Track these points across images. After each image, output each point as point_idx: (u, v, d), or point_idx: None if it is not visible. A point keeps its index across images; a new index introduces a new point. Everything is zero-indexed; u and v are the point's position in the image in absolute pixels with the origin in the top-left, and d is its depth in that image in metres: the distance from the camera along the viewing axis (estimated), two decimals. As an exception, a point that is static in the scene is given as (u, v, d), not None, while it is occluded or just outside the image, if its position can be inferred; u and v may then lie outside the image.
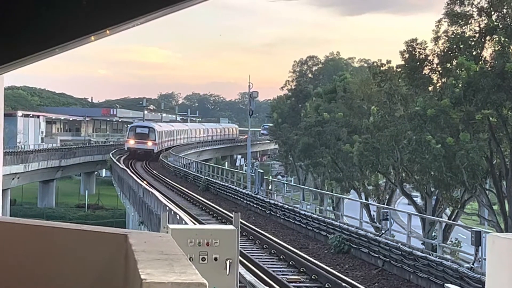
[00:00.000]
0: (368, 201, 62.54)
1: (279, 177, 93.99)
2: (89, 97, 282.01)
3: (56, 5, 5.82)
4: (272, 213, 53.25)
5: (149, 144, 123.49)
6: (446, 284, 28.42)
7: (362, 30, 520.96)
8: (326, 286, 29.48)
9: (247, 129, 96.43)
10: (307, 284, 30.00)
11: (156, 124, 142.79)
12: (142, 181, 61.52)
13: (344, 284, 28.73)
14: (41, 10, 5.81)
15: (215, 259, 7.88)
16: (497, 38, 44.14)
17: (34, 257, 5.04)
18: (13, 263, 5.16)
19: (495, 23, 44.89)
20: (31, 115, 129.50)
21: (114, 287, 4.43)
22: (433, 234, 43.08)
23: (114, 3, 5.82)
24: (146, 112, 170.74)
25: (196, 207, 54.10)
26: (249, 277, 17.37)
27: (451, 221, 48.15)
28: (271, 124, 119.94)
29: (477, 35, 45.93)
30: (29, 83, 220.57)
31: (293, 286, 28.90)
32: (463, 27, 46.55)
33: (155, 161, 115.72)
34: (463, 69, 43.50)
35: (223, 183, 73.40)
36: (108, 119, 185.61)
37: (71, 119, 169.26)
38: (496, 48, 43.97)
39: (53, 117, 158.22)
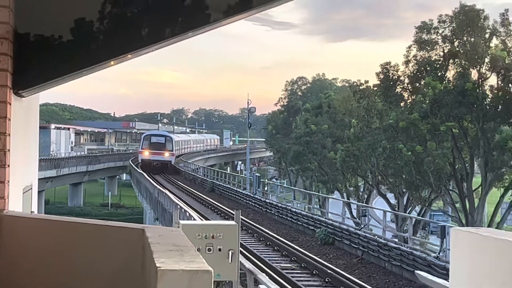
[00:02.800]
0: (349, 200, 62.38)
1: (274, 180, 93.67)
2: (111, 112, 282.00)
3: (87, 34, 5.82)
4: (267, 210, 53.23)
5: (166, 155, 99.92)
6: (416, 271, 28.36)
7: (344, 55, 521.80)
8: (314, 272, 29.46)
9: (246, 139, 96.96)
10: (298, 271, 29.95)
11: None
12: (157, 184, 61.42)
13: (328, 271, 28.71)
14: (75, 38, 5.81)
15: (219, 249, 7.86)
16: (458, 62, 44.16)
17: (65, 247, 5.03)
18: (47, 253, 5.16)
19: (457, 49, 44.91)
20: (62, 127, 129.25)
21: (133, 274, 4.43)
22: (405, 228, 43.02)
23: (133, 33, 5.84)
24: (160, 125, 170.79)
25: (203, 206, 54.01)
26: (248, 265, 17.31)
27: (420, 217, 48.11)
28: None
29: (441, 59, 45.90)
30: (61, 100, 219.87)
31: (286, 272, 28.85)
32: (430, 52, 46.54)
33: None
34: (429, 88, 43.49)
35: (226, 185, 73.33)
36: (128, 131, 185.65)
37: (96, 131, 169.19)
38: (458, 70, 43.98)
39: (81, 129, 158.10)
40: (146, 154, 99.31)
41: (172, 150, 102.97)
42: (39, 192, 9.39)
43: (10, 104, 5.45)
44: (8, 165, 5.44)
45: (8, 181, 5.47)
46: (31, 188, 7.14)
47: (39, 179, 8.57)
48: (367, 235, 36.45)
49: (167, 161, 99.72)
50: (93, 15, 5.81)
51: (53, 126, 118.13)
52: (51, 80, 5.89)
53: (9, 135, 5.44)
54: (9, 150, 5.44)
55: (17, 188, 6.01)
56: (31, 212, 7.02)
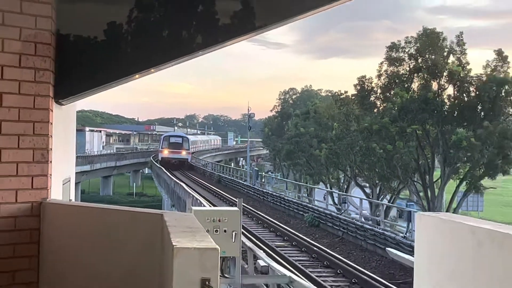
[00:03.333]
0: (331, 189, 62.36)
1: (269, 173, 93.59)
2: (136, 117, 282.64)
3: (116, 52, 5.82)
4: (264, 198, 53.19)
5: (183, 153, 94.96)
6: (387, 248, 28.35)
7: (328, 70, 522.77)
8: (303, 249, 29.46)
9: (247, 139, 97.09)
10: (290, 248, 29.97)
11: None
12: (173, 176, 61.42)
13: (315, 248, 28.72)
14: (105, 55, 5.81)
15: (225, 231, 7.85)
16: (421, 75, 44.15)
17: (97, 229, 5.02)
18: (82, 234, 5.15)
19: (420, 65, 44.90)
20: (95, 130, 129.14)
21: (154, 252, 4.43)
22: (377, 213, 43.02)
23: (155, 51, 5.84)
24: (176, 128, 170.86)
25: (211, 194, 53.98)
26: (248, 243, 17.31)
27: (390, 204, 48.12)
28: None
29: (407, 73, 45.88)
30: (94, 107, 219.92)
31: (280, 249, 28.86)
32: (398, 67, 46.53)
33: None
34: (398, 97, 43.49)
35: (230, 178, 73.33)
36: (149, 133, 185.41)
37: (123, 133, 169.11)
38: (421, 82, 43.96)
39: (111, 132, 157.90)
40: (165, 152, 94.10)
41: (189, 149, 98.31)
42: (76, 183, 9.38)
43: (52, 111, 5.46)
44: (50, 161, 5.44)
45: (51, 175, 5.47)
46: (69, 180, 7.14)
47: (76, 172, 8.56)
48: (346, 218, 36.49)
49: (184, 159, 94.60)
50: (120, 37, 5.81)
51: (87, 129, 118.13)
52: (85, 91, 5.90)
53: (51, 136, 5.44)
54: (51, 149, 5.44)
55: (58, 180, 6.01)
56: (69, 200, 7.01)
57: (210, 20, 5.81)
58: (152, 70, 6.00)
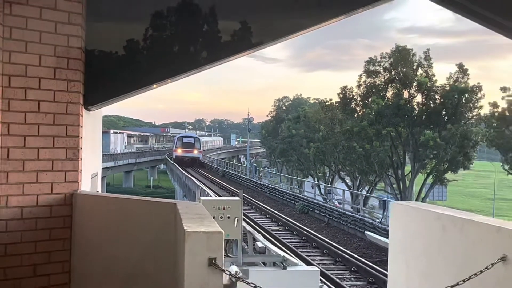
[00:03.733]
0: (319, 182, 62.33)
1: (266, 168, 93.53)
2: (153, 121, 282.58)
3: (136, 65, 5.83)
4: (261, 190, 53.14)
5: (195, 152, 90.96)
6: (365, 231, 28.38)
7: (315, 81, 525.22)
8: (294, 233, 29.45)
9: (247, 140, 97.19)
10: (283, 232, 29.95)
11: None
12: (184, 171, 61.36)
13: (304, 232, 28.71)
14: (127, 68, 5.82)
15: (228, 217, 7.84)
16: (394, 85, 44.11)
17: (121, 216, 5.03)
18: (108, 220, 5.16)
19: (393, 76, 44.88)
20: (118, 132, 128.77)
21: (168, 235, 4.43)
22: (357, 202, 43.04)
23: (170, 64, 5.85)
24: (186, 130, 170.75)
25: (217, 186, 53.90)
26: (248, 227, 17.27)
27: (369, 194, 48.12)
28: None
29: (383, 83, 45.79)
30: (117, 113, 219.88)
31: (275, 233, 28.85)
32: (375, 79, 46.46)
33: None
34: (374, 103, 43.44)
35: (233, 172, 73.29)
36: (164, 134, 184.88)
37: (142, 134, 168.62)
38: (394, 91, 43.90)
39: (132, 133, 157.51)
40: (179, 151, 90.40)
41: (200, 148, 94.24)
42: (102, 177, 9.38)
43: (81, 116, 5.47)
44: (81, 159, 5.46)
45: (81, 170, 5.49)
46: (97, 175, 7.14)
47: (102, 168, 8.56)
48: (331, 207, 36.48)
49: (196, 157, 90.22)
50: (139, 52, 5.82)
51: (112, 131, 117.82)
52: (110, 99, 5.91)
53: (81, 137, 5.46)
54: (81, 148, 5.46)
55: (87, 174, 6.02)
56: (97, 191, 7.02)
57: (214, 38, 5.83)
58: (169, 80, 6.01)
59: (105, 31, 5.75)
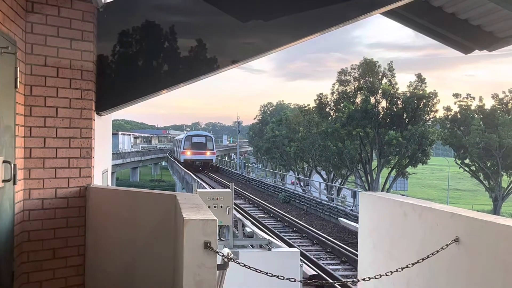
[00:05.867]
0: (298, 176, 62.42)
1: (253, 164, 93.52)
2: (155, 124, 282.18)
3: (143, 74, 5.82)
4: (249, 183, 53.18)
5: (208, 154, 67.22)
6: (339, 218, 28.46)
7: (295, 89, 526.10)
8: (278, 219, 29.47)
9: (237, 140, 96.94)
10: (268, 219, 29.96)
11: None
12: (183, 167, 60.99)
13: (286, 218, 28.73)
14: (135, 77, 5.80)
15: (221, 206, 7.82)
16: (363, 92, 44.15)
17: (128, 206, 5.02)
18: (117, 209, 5.14)
19: (362, 85, 44.94)
20: (126, 134, 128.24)
21: (169, 223, 4.42)
22: (332, 192, 43.09)
23: (168, 76, 5.85)
24: (185, 132, 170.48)
25: (211, 180, 53.85)
26: (238, 215, 17.31)
27: (341, 186, 48.20)
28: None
29: (353, 91, 45.83)
30: (125, 117, 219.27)
31: (261, 220, 28.85)
32: (346, 87, 46.48)
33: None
34: (346, 108, 43.50)
35: (225, 168, 73.24)
36: (165, 136, 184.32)
37: (146, 136, 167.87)
38: (362, 98, 43.90)
39: (137, 135, 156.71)
40: (188, 154, 65.82)
41: (213, 149, 68.86)
42: (112, 173, 9.35)
43: (94, 120, 5.47)
44: (93, 157, 5.46)
45: (93, 167, 5.48)
46: (107, 171, 7.12)
47: (112, 165, 8.53)
48: (309, 197, 36.52)
49: (209, 160, 67.17)
50: (142, 64, 5.81)
51: (120, 133, 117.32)
52: (118, 105, 5.89)
53: (93, 139, 5.46)
54: (93, 147, 5.45)
55: (99, 171, 6.00)
56: (107, 185, 7.00)
57: (209, 53, 5.84)
58: (164, 91, 6.01)
59: (114, 47, 5.74)
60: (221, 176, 61.26)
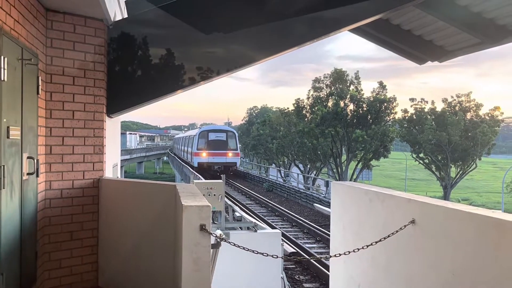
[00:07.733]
0: (280, 168, 62.46)
1: (242, 158, 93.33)
2: (158, 125, 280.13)
3: (148, 81, 5.79)
4: (238, 174, 53.05)
5: (230, 155, 42.14)
6: (314, 204, 28.53)
7: (277, 94, 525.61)
8: (262, 206, 29.46)
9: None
10: (254, 205, 29.94)
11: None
12: (182, 162, 60.46)
13: (270, 204, 28.74)
14: (141, 83, 5.77)
15: (214, 195, 7.82)
16: (334, 97, 44.21)
17: (134, 195, 5.01)
18: (125, 198, 5.12)
19: (333, 91, 45.01)
20: (132, 133, 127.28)
21: (170, 209, 4.41)
22: (308, 182, 43.11)
23: (173, 80, 5.83)
24: (182, 131, 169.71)
25: (206, 173, 53.66)
26: (229, 202, 17.29)
27: (316, 176, 48.26)
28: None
29: (325, 96, 45.94)
30: (131, 119, 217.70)
31: (248, 205, 28.82)
32: (319, 93, 46.52)
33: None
34: (319, 111, 43.57)
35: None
36: (166, 135, 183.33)
37: (150, 135, 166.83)
38: (333, 102, 43.97)
39: (142, 134, 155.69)
40: (203, 155, 41.78)
41: (237, 149, 43.50)
42: (121, 167, 9.30)
43: (105, 121, 5.46)
44: (105, 153, 5.44)
45: (105, 161, 5.47)
46: (117, 165, 7.08)
47: (120, 160, 8.48)
48: (289, 186, 36.55)
49: (232, 164, 42.88)
50: (148, 72, 5.78)
51: (127, 132, 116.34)
52: (126, 109, 5.86)
53: (105, 137, 5.44)
54: (105, 145, 5.43)
55: (109, 165, 5.98)
56: (117, 177, 6.96)
57: (203, 61, 5.82)
58: (164, 96, 5.98)
59: (121, 64, 5.71)
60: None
